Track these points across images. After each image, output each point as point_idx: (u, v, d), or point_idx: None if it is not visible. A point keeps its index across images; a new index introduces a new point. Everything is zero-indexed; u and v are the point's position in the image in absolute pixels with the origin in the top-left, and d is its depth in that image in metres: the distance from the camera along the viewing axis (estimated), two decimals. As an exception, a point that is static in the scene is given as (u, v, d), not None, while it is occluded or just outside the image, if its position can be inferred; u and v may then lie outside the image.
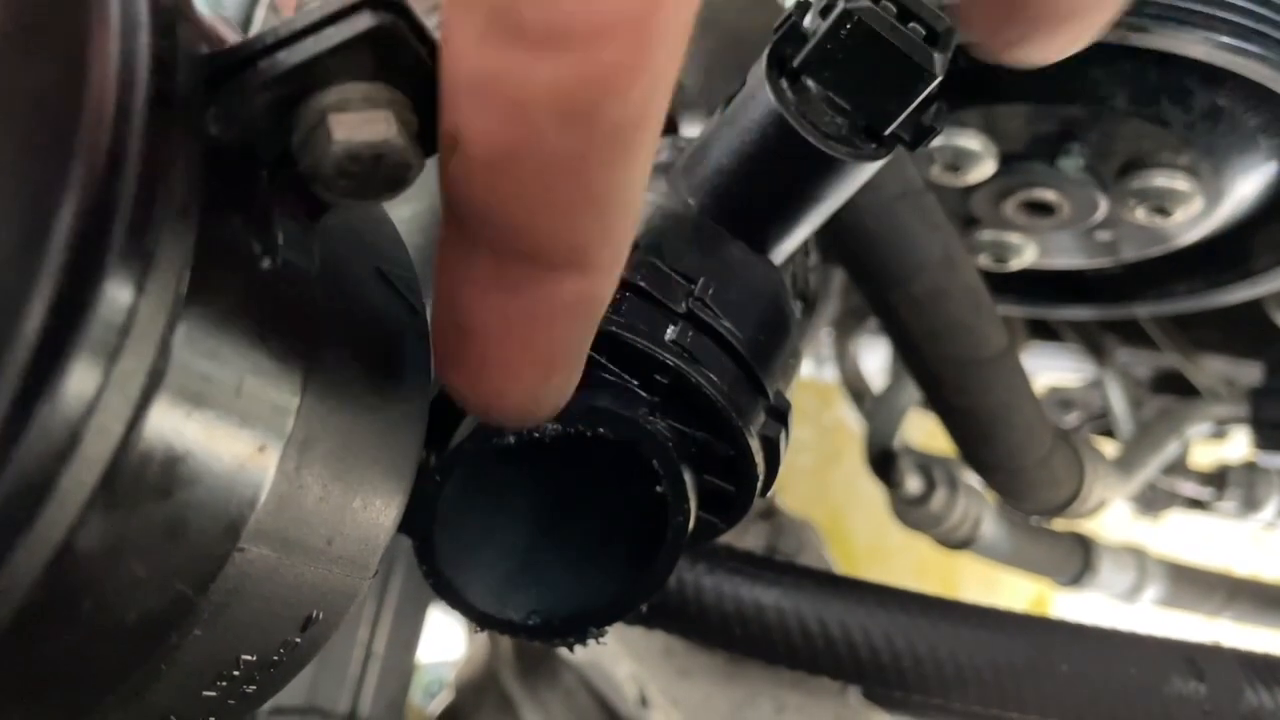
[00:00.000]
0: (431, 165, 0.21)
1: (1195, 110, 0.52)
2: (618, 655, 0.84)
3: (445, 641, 1.16)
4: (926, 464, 0.83)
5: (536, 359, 0.21)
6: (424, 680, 1.27)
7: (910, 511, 0.82)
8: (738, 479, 0.31)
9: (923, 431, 1.01)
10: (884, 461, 0.83)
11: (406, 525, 0.27)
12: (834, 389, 1.11)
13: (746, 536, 0.77)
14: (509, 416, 0.23)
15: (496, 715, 0.85)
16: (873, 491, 0.90)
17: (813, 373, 1.29)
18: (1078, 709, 0.49)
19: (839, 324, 1.01)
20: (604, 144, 0.18)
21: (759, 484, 0.31)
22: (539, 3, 0.16)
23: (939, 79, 0.29)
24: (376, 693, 0.73)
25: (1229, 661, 0.51)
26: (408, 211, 0.49)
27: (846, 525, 1.80)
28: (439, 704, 0.92)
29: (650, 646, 0.86)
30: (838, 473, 1.84)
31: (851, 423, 1.02)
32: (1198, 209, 0.59)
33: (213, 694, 0.22)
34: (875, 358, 1.11)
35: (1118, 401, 0.98)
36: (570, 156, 0.18)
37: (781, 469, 0.32)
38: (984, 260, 0.71)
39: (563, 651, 0.84)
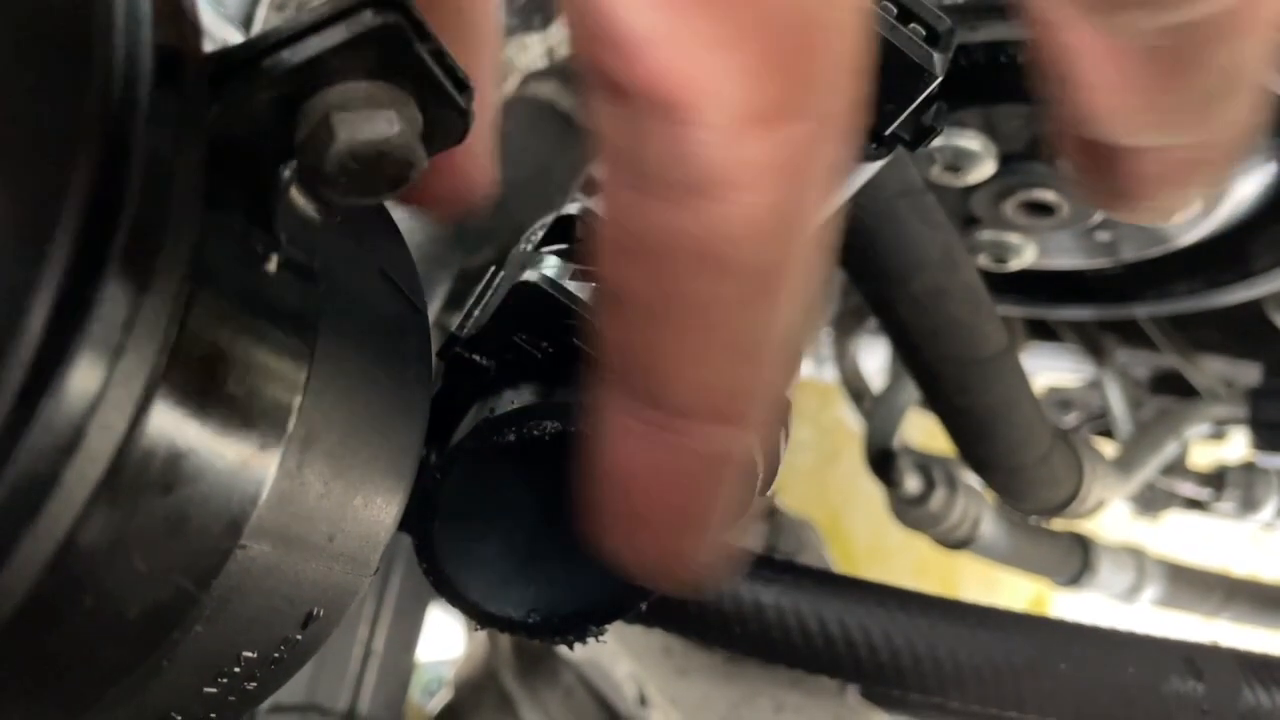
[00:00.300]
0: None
1: (1195, 111, 0.52)
2: (617, 654, 0.84)
3: (444, 640, 1.17)
4: (925, 463, 0.83)
5: (688, 517, 0.20)
6: (423, 679, 1.27)
7: (909, 511, 0.82)
8: (737, 478, 0.31)
9: (922, 431, 1.02)
10: (883, 461, 0.84)
11: (406, 522, 0.27)
12: (833, 389, 1.11)
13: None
14: (660, 577, 0.22)
15: (495, 714, 0.85)
16: (872, 491, 0.90)
17: (812, 373, 1.29)
18: (1076, 708, 0.49)
19: (838, 324, 1.01)
20: (741, 291, 0.17)
21: (758, 483, 0.32)
22: (666, 161, 0.16)
23: (939, 79, 0.29)
24: (376, 691, 0.73)
25: (1227, 661, 0.51)
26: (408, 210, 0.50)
27: (846, 525, 1.80)
28: (438, 702, 0.92)
29: (649, 646, 0.86)
30: (837, 473, 1.84)
31: (851, 422, 1.03)
32: (1197, 210, 0.59)
33: (213, 690, 0.22)
34: (874, 358, 1.11)
35: (1117, 402, 0.98)
36: (710, 305, 0.17)
37: (781, 469, 0.32)
38: (984, 260, 0.71)
39: (562, 650, 0.84)
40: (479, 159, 0.26)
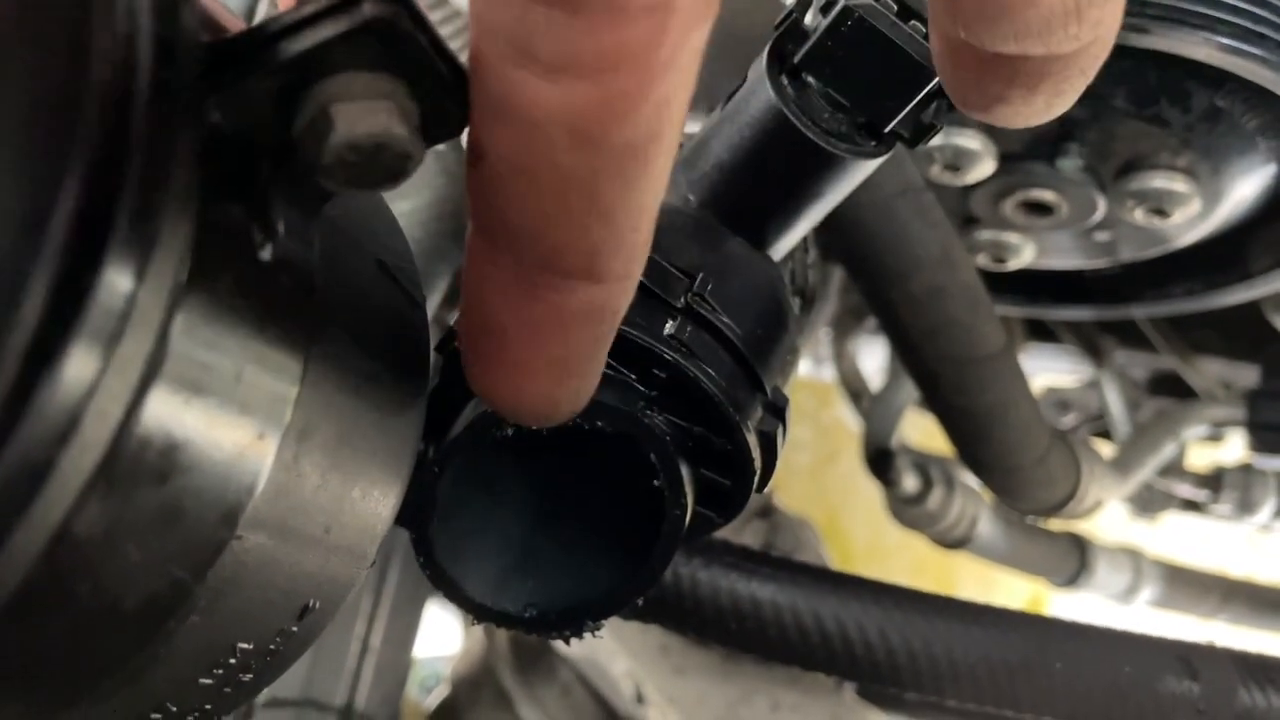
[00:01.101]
0: (431, 161, 0.21)
1: (1194, 111, 0.52)
2: (614, 652, 0.84)
3: (442, 636, 1.16)
4: (923, 463, 0.83)
5: (552, 362, 0.22)
6: (420, 675, 1.27)
7: (906, 510, 0.82)
8: (734, 474, 0.31)
9: (920, 431, 1.02)
10: (881, 460, 0.84)
11: (403, 517, 0.27)
12: (832, 388, 1.11)
13: (744, 534, 0.77)
14: (526, 415, 0.24)
15: (492, 710, 0.86)
16: (870, 491, 0.90)
17: (811, 372, 1.29)
18: (1072, 707, 0.49)
19: (837, 323, 1.01)
20: (613, 163, 0.19)
21: (756, 479, 0.32)
22: (551, 34, 0.17)
23: (939, 76, 0.29)
24: (373, 686, 0.73)
25: (1223, 661, 0.51)
26: (407, 206, 0.50)
27: (844, 524, 1.80)
28: (435, 698, 0.92)
29: (647, 644, 0.86)
30: (835, 472, 1.84)
31: (849, 422, 1.03)
32: (1196, 210, 0.60)
33: (209, 681, 0.22)
34: (873, 358, 1.11)
35: (1115, 403, 0.98)
36: (582, 173, 0.19)
37: (779, 467, 0.32)
38: (982, 260, 0.71)
39: (559, 647, 0.84)
40: None
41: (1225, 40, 0.45)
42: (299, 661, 0.77)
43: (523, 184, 0.19)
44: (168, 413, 0.17)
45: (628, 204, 0.20)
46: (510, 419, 0.24)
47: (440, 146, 0.22)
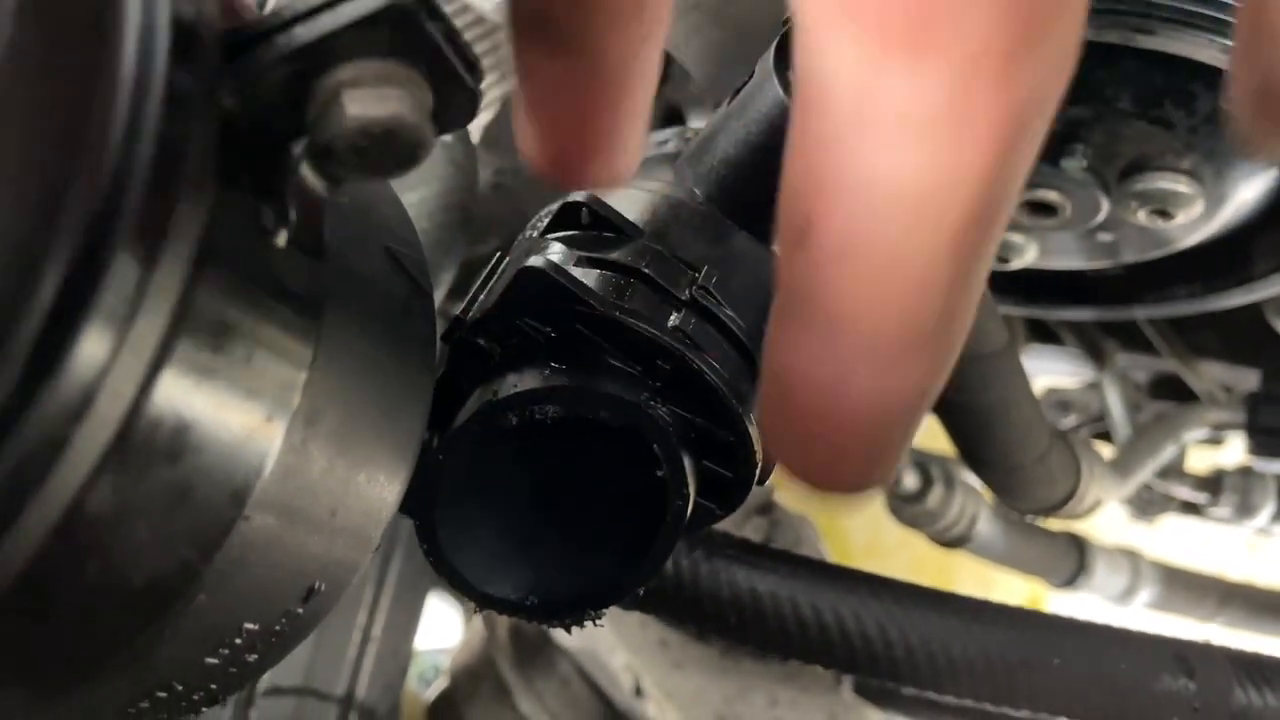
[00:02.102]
0: (438, 153, 0.21)
1: (1199, 113, 0.52)
2: (613, 646, 0.84)
3: (442, 630, 1.17)
4: (923, 461, 0.83)
5: (867, 442, 0.21)
6: (420, 667, 1.27)
7: (906, 508, 0.82)
8: (736, 465, 0.31)
9: (920, 430, 1.01)
10: (881, 458, 0.84)
11: (408, 505, 0.28)
12: (833, 386, 1.11)
13: (744, 530, 0.78)
14: (834, 490, 0.22)
15: (492, 702, 0.86)
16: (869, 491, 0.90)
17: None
18: (1068, 703, 0.49)
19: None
20: (956, 240, 0.17)
21: (758, 471, 0.32)
22: (908, 93, 0.16)
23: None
24: (373, 676, 0.74)
25: (1219, 660, 0.52)
26: (414, 197, 0.50)
27: (843, 523, 1.80)
28: (434, 690, 0.92)
29: (646, 638, 0.87)
30: (835, 471, 1.83)
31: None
32: (1199, 212, 0.60)
33: (215, 661, 0.22)
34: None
35: (1115, 405, 0.98)
36: (917, 251, 0.17)
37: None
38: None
39: (559, 640, 0.85)
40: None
41: (1230, 42, 0.45)
42: (300, 650, 0.77)
43: (855, 263, 0.18)
44: (179, 393, 0.17)
45: (961, 284, 0.18)
46: (818, 494, 0.23)
47: (447, 139, 0.22)
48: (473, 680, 0.87)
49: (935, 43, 0.15)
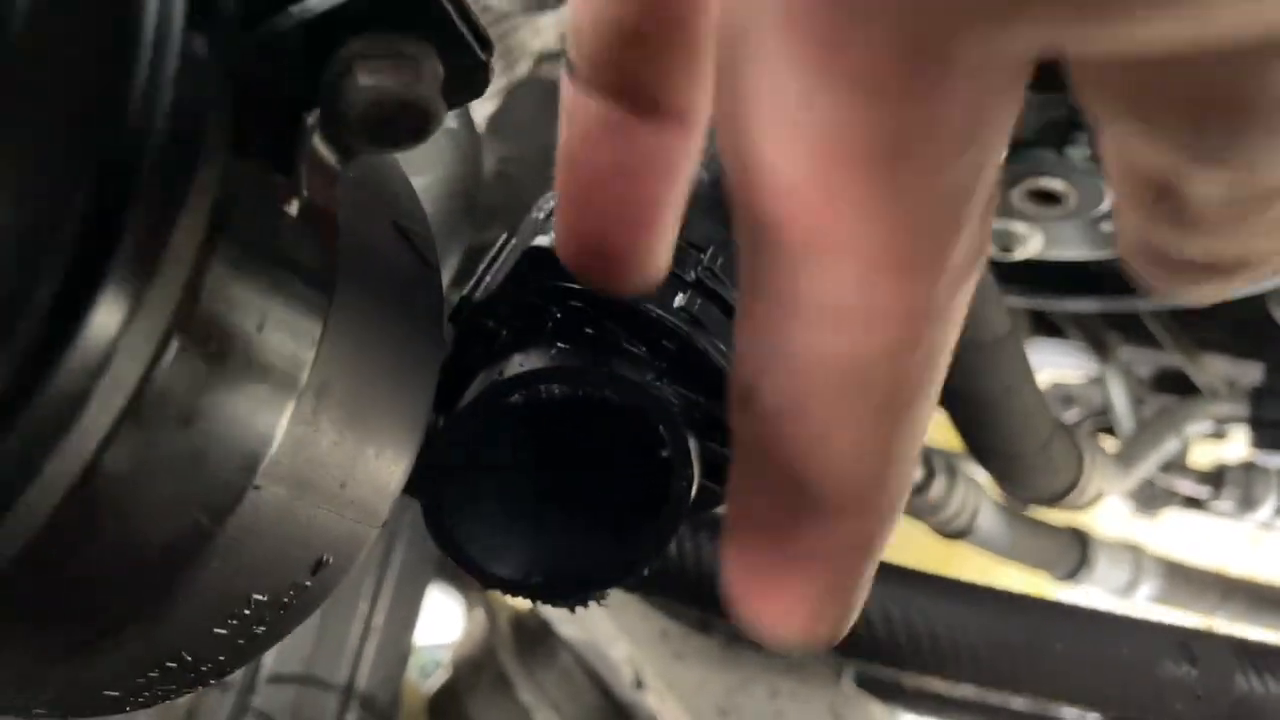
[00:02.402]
0: (445, 138, 0.21)
1: (1204, 102, 0.52)
2: (614, 637, 0.85)
3: (442, 623, 1.17)
4: (926, 453, 0.83)
5: (813, 594, 0.22)
6: (420, 661, 1.27)
7: (908, 499, 0.82)
8: (741, 447, 0.31)
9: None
10: (884, 450, 0.84)
11: (413, 484, 0.28)
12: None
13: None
14: (786, 642, 0.23)
15: (493, 693, 0.86)
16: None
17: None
18: (1070, 688, 0.50)
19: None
20: (879, 412, 0.19)
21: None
22: (822, 289, 0.17)
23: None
24: (374, 666, 0.74)
25: (1222, 647, 0.52)
26: (421, 182, 0.50)
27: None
28: (435, 683, 0.93)
29: (647, 630, 0.87)
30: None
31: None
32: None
33: (224, 632, 0.22)
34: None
35: (1119, 398, 0.98)
36: (849, 421, 0.19)
37: None
38: (990, 249, 0.71)
39: (560, 631, 0.85)
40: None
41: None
42: (302, 638, 0.77)
43: (790, 426, 0.19)
44: (192, 359, 0.17)
45: (895, 446, 0.19)
46: (774, 647, 0.23)
47: (453, 125, 0.23)
48: (474, 671, 0.88)
49: (838, 246, 0.17)
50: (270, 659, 0.69)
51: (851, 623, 0.23)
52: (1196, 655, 0.50)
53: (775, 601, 0.22)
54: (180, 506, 0.18)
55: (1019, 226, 0.69)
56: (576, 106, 0.23)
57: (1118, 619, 0.53)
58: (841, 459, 0.19)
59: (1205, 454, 1.06)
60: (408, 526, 0.78)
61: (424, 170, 0.47)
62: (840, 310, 0.17)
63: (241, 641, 0.23)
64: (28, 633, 0.19)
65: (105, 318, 0.15)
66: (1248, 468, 1.00)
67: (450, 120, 0.21)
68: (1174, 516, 1.07)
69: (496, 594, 0.96)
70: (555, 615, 0.85)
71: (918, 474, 0.81)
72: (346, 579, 0.25)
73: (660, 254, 0.26)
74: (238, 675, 0.68)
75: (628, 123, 0.23)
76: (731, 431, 0.21)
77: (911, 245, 0.17)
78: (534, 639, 0.87)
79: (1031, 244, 0.70)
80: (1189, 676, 0.49)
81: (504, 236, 0.33)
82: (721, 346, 0.30)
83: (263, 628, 0.23)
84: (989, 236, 0.19)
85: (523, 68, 0.72)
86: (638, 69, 0.22)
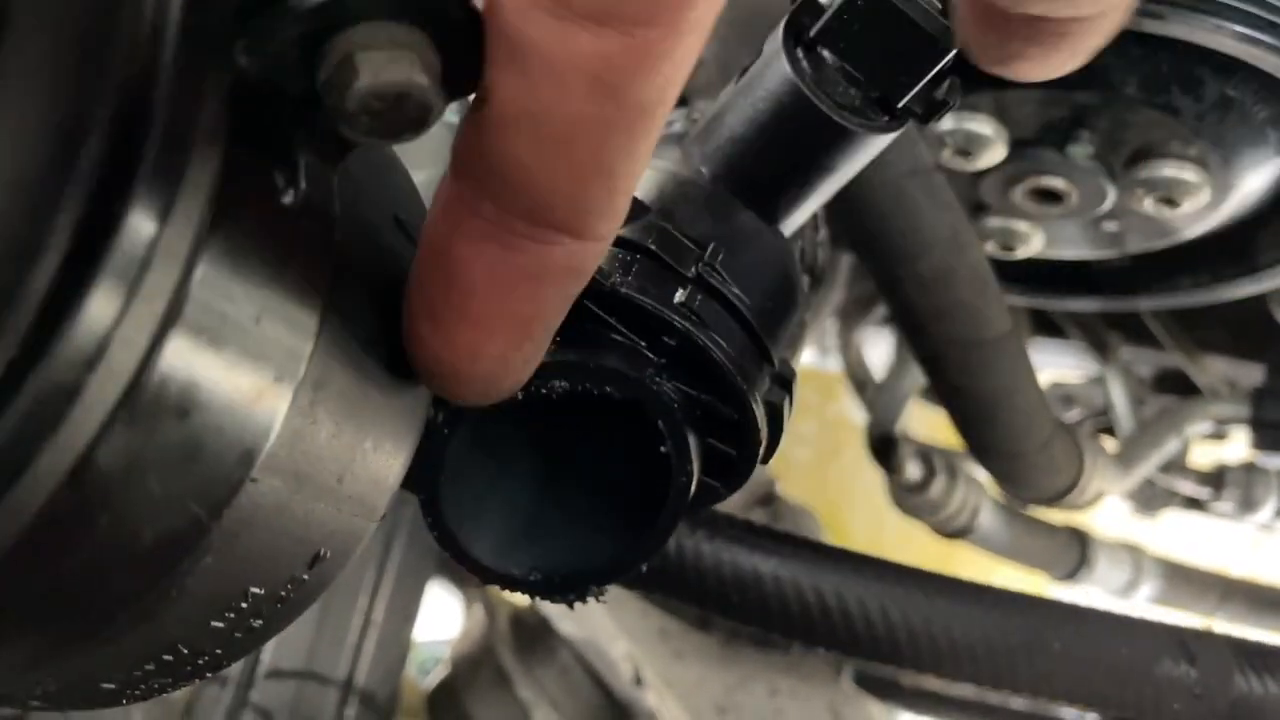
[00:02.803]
0: (443, 132, 0.22)
1: (1206, 100, 0.52)
2: (614, 635, 0.85)
3: (441, 620, 1.17)
4: (926, 452, 0.83)
5: (515, 320, 0.22)
6: (419, 658, 1.27)
7: (908, 498, 0.82)
8: (740, 443, 0.31)
9: (926, 425, 1.02)
10: (885, 447, 0.84)
11: (412, 480, 0.28)
12: (836, 382, 1.11)
13: (745, 520, 0.78)
14: (473, 383, 0.23)
15: (492, 690, 0.86)
16: (871, 487, 0.90)
17: (816, 363, 1.29)
18: (1069, 687, 0.50)
19: (844, 313, 1.01)
20: (626, 117, 0.19)
21: (761, 449, 0.32)
22: None
23: (953, 51, 0.30)
24: (374, 662, 0.74)
25: (1220, 647, 0.52)
26: (421, 177, 0.50)
27: (844, 520, 1.80)
28: (434, 679, 0.93)
29: (647, 628, 0.87)
30: (836, 467, 1.84)
31: (852, 417, 1.03)
32: (1205, 201, 0.60)
33: (220, 625, 0.22)
34: (879, 351, 1.12)
35: (1119, 399, 0.98)
36: (593, 125, 0.19)
37: (781, 461, 0.33)
38: (991, 248, 0.71)
39: (559, 628, 0.85)
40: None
41: (1239, 29, 0.45)
42: (302, 634, 0.77)
43: (529, 130, 0.19)
44: (190, 350, 0.17)
45: (629, 162, 0.20)
46: (449, 394, 0.23)
47: (452, 118, 0.22)
48: (473, 667, 0.88)
49: None
50: (269, 654, 0.69)
51: (533, 370, 0.23)
52: (1195, 655, 0.50)
53: (471, 329, 0.21)
54: (176, 499, 0.18)
55: (1021, 225, 0.68)
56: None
57: (1116, 618, 0.53)
58: (572, 173, 0.20)
59: (1206, 455, 1.06)
60: (408, 522, 0.78)
61: (423, 165, 0.47)
62: (609, 6, 0.18)
63: (238, 635, 0.23)
64: (23, 625, 0.18)
65: (100, 308, 0.15)
66: (1248, 469, 0.99)
67: (450, 114, 0.21)
68: (1174, 517, 1.07)
69: (496, 590, 0.96)
70: (554, 612, 0.85)
71: (917, 472, 0.81)
72: (344, 573, 0.25)
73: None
74: (236, 670, 0.68)
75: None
76: (460, 136, 0.20)
77: None
78: (533, 636, 0.87)
79: (1033, 243, 0.70)
80: (1188, 676, 0.49)
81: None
82: (722, 343, 0.30)
83: (260, 621, 0.23)
84: None
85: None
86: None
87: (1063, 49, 0.25)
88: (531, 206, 0.20)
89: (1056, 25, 0.24)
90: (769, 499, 0.89)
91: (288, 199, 0.19)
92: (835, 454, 1.84)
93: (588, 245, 0.21)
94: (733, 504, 0.75)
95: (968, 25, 0.26)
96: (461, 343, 0.22)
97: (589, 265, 0.22)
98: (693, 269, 0.31)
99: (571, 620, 0.84)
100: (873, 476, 0.89)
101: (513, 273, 0.21)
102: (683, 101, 0.63)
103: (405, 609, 0.78)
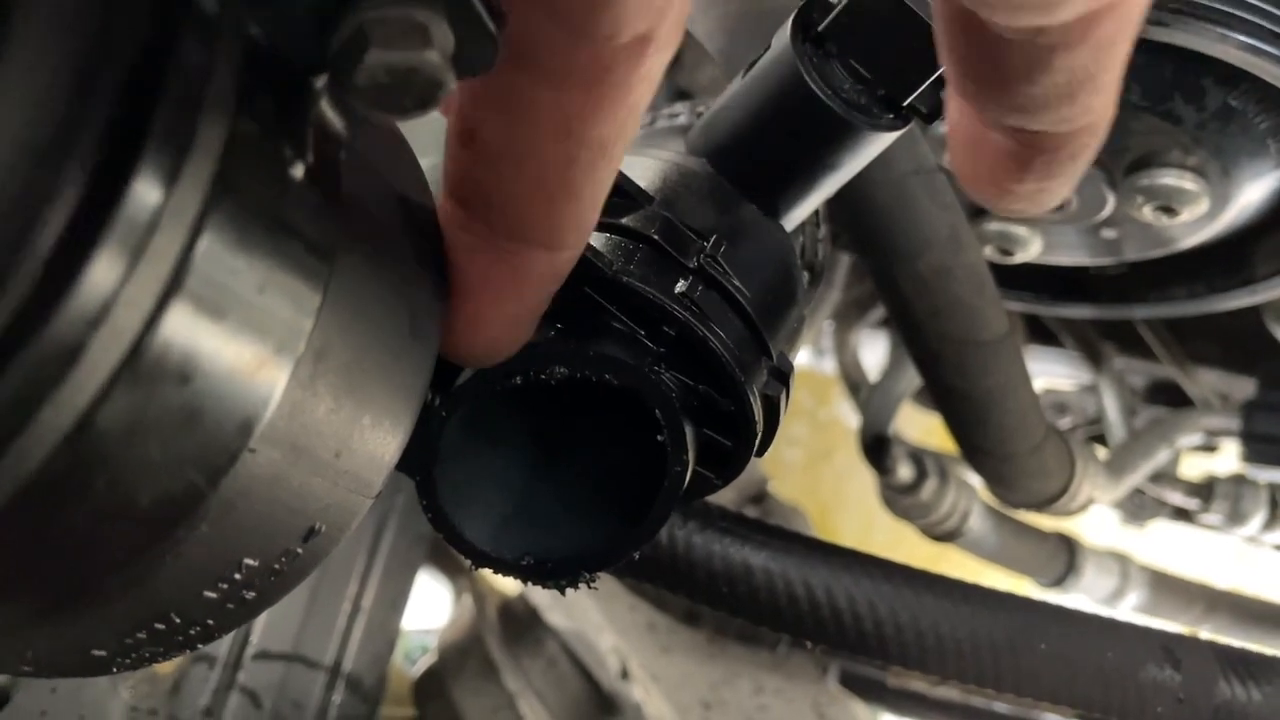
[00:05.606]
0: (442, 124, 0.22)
1: (1208, 109, 0.53)
2: (601, 628, 0.85)
3: (430, 609, 1.17)
4: (919, 454, 0.83)
5: (506, 316, 0.27)
6: (407, 646, 1.27)
7: (899, 499, 0.82)
8: (737, 435, 0.32)
9: (919, 429, 1.02)
10: (877, 447, 0.84)
11: (408, 462, 0.28)
12: (830, 383, 1.11)
13: (737, 517, 0.78)
14: (471, 359, 0.28)
15: (478, 679, 0.86)
16: (862, 490, 0.91)
17: (810, 364, 1.30)
18: (1053, 688, 0.50)
19: (840, 315, 1.01)
20: (588, 153, 0.23)
21: (757, 441, 0.32)
22: (556, 50, 0.21)
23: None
24: (361, 647, 0.74)
25: (1205, 653, 0.52)
26: (427, 163, 0.50)
27: (834, 522, 1.81)
28: (421, 667, 0.93)
29: (634, 621, 0.87)
30: (828, 469, 1.84)
31: (845, 419, 1.03)
32: (1204, 210, 0.60)
33: (213, 595, 0.22)
34: (874, 354, 1.12)
35: (1111, 408, 0.98)
36: (560, 160, 0.23)
37: (772, 463, 0.33)
38: (989, 252, 0.71)
39: (547, 620, 0.85)
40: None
41: (1243, 38, 0.45)
42: (291, 616, 0.77)
43: (508, 166, 0.23)
44: (192, 316, 0.17)
45: (593, 187, 0.24)
46: (457, 361, 0.28)
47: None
48: (460, 657, 0.88)
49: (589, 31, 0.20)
50: (258, 635, 0.69)
51: (520, 346, 0.28)
52: (1180, 659, 0.51)
53: (470, 322, 0.26)
54: (174, 465, 0.18)
55: (1019, 230, 0.69)
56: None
57: (1103, 621, 0.53)
58: (545, 199, 0.24)
59: (1195, 466, 1.06)
60: (400, 509, 0.78)
61: (430, 151, 0.47)
62: (569, 67, 0.21)
63: (231, 606, 0.23)
64: (14, 584, 0.19)
65: (106, 269, 0.15)
66: (1237, 481, 1.00)
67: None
68: (1162, 528, 1.07)
69: (485, 580, 0.96)
70: (543, 603, 0.85)
71: (909, 474, 0.81)
72: (336, 554, 0.25)
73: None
74: (224, 650, 0.68)
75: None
76: (449, 166, 0.25)
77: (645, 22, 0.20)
78: (521, 626, 0.87)
79: (1031, 248, 0.71)
80: (1171, 680, 0.50)
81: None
82: (721, 334, 0.30)
83: (252, 593, 0.23)
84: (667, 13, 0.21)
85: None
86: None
87: (1033, 170, 0.26)
88: (513, 225, 0.25)
89: (1028, 140, 0.25)
90: (761, 497, 0.89)
91: (295, 170, 0.19)
92: (827, 456, 1.84)
93: (562, 254, 0.26)
94: (725, 500, 0.75)
95: (957, 154, 0.28)
96: (462, 333, 0.26)
97: (564, 269, 0.26)
98: (694, 260, 0.31)
99: (560, 612, 0.84)
100: (863, 480, 0.89)
101: (502, 279, 0.26)
102: (681, 96, 0.63)
103: (395, 596, 0.78)
